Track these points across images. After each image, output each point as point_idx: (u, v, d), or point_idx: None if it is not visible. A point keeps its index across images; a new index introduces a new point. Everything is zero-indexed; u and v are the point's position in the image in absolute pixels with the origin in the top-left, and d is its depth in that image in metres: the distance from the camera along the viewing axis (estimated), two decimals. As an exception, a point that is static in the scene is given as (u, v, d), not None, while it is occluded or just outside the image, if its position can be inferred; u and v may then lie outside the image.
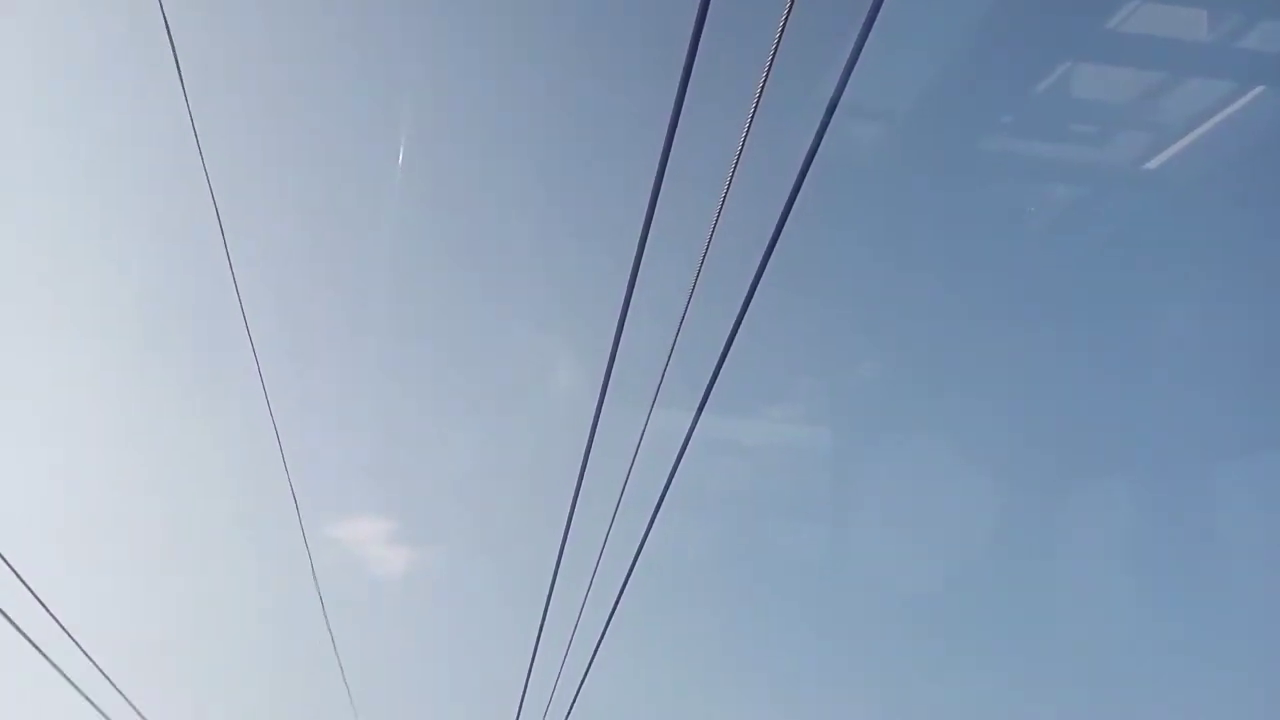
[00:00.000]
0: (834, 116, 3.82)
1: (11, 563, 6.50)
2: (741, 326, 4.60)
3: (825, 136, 3.89)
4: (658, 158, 4.07)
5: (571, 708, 9.40)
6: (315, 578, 14.86)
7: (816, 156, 3.97)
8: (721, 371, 4.98)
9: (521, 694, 9.51)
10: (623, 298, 4.82)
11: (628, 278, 4.67)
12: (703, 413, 5.33)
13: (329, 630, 16.10)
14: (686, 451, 5.60)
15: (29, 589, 6.79)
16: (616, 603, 7.11)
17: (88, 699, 8.02)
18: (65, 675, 7.33)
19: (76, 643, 7.46)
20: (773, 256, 4.31)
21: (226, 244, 7.64)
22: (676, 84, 3.74)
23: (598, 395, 5.50)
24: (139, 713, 8.61)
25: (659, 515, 6.17)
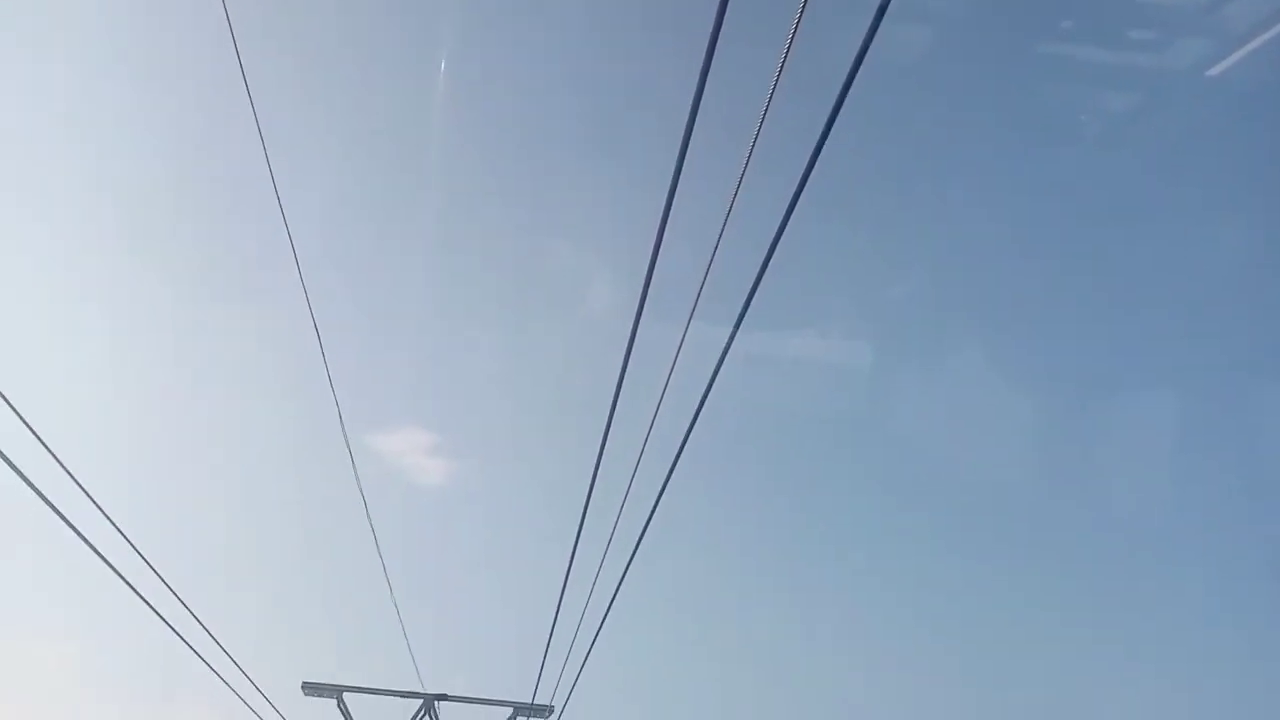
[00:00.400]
0: (883, 20, 3.71)
1: (71, 470, 6.67)
2: (781, 242, 4.56)
3: (874, 42, 3.78)
4: (697, 73, 4.00)
5: (609, 607, 9.40)
6: (359, 485, 15.39)
7: (862, 66, 3.85)
8: (762, 285, 4.90)
9: (561, 590, 9.64)
10: (661, 212, 4.77)
11: (666, 191, 4.62)
12: (741, 327, 5.25)
13: (373, 533, 16.75)
14: (724, 366, 5.52)
15: (87, 494, 6.97)
16: (654, 506, 7.05)
17: (148, 604, 8.29)
18: (123, 577, 7.67)
19: (134, 546, 7.69)
20: (814, 171, 4.23)
21: (270, 162, 7.76)
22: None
23: (635, 309, 5.43)
24: (197, 618, 8.98)
25: (695, 428, 6.12)
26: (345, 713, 18.84)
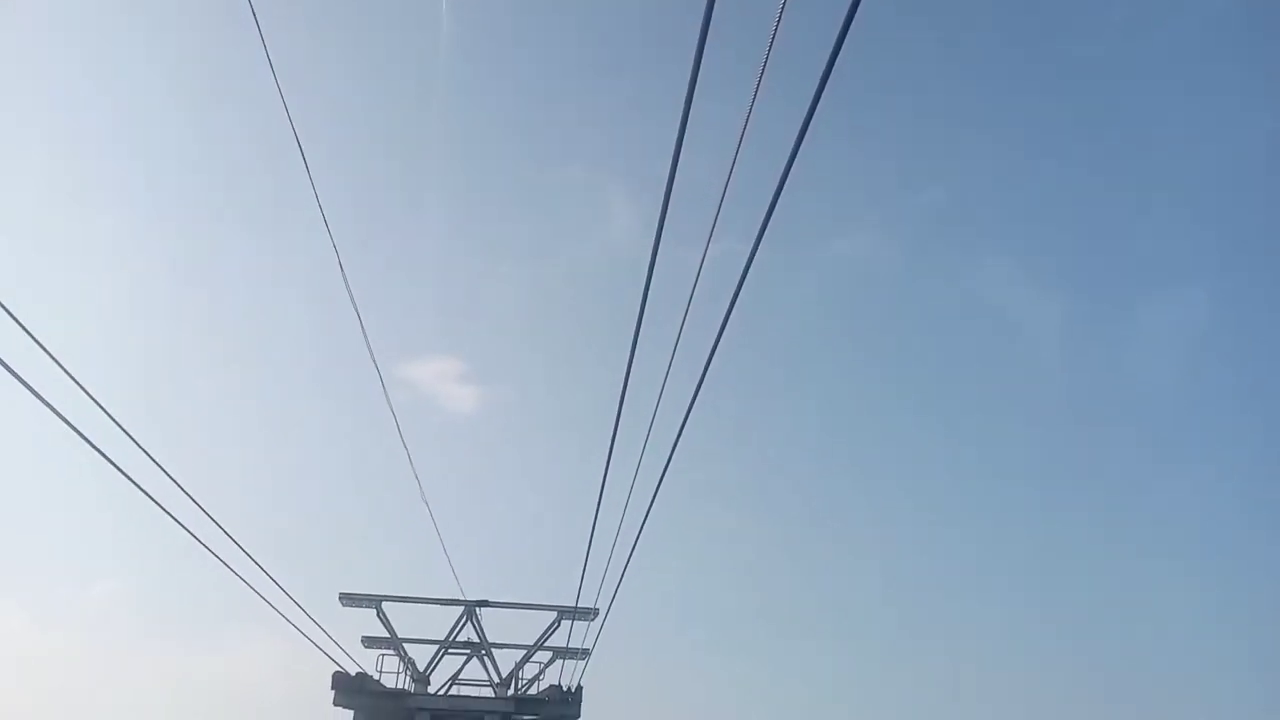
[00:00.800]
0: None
1: (117, 417, 7.05)
2: (807, 157, 4.42)
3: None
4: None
5: (650, 505, 9.35)
6: (394, 413, 15.59)
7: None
8: (788, 196, 4.73)
9: (601, 485, 9.38)
10: (676, 131, 4.65)
11: (680, 112, 4.49)
12: (767, 237, 5.10)
13: (409, 458, 17.03)
14: (750, 276, 5.42)
15: (130, 436, 7.31)
16: (692, 400, 7.06)
17: (194, 535, 8.61)
18: (171, 515, 7.97)
19: (175, 481, 7.98)
20: (831, 78, 4.07)
21: (285, 101, 7.73)
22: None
23: (655, 229, 5.41)
24: (242, 547, 9.19)
25: (722, 340, 6.10)
26: (385, 622, 19.41)
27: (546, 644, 19.78)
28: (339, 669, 17.60)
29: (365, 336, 11.68)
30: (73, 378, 6.60)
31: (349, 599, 19.22)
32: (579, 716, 19.21)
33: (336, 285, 10.56)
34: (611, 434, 8.16)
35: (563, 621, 19.20)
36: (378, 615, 19.41)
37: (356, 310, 11.11)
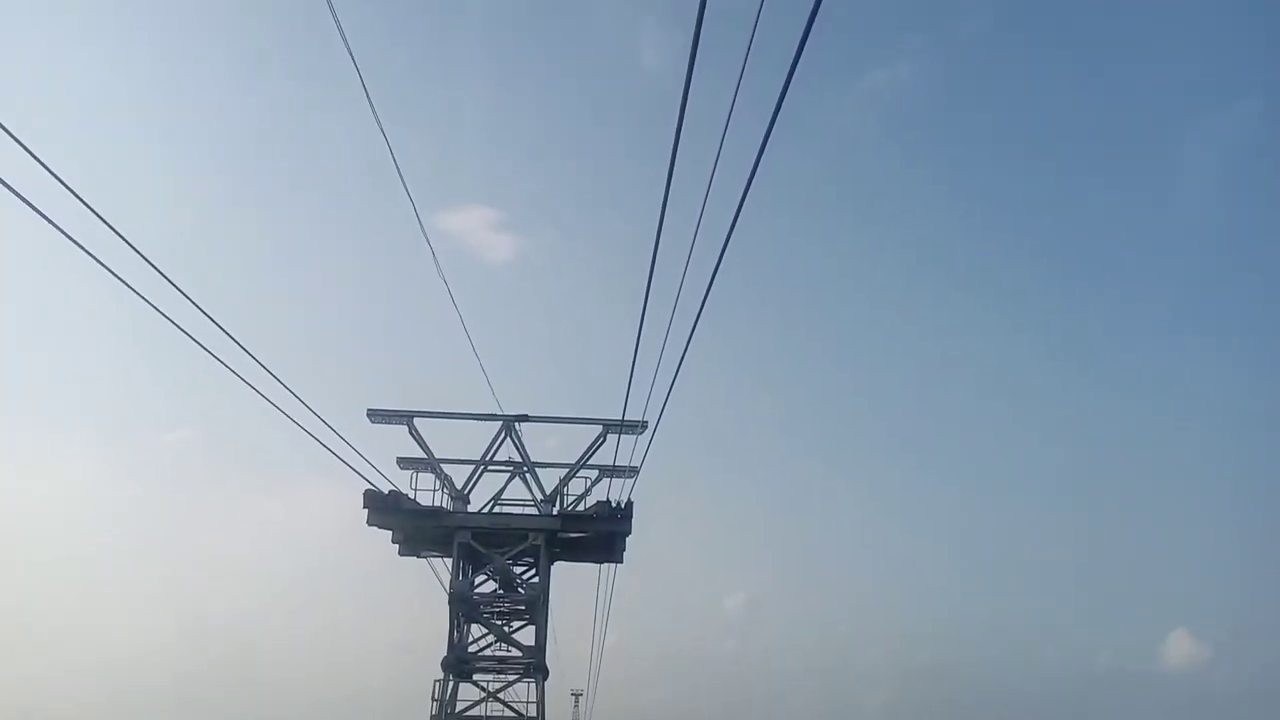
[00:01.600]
0: None
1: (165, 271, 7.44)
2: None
3: None
4: None
5: (700, 312, 8.49)
6: (435, 259, 15.79)
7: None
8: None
9: (646, 288, 8.42)
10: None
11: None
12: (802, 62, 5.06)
13: (454, 303, 16.26)
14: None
15: (177, 288, 7.72)
16: (725, 246, 6.95)
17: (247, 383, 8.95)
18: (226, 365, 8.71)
19: (221, 326, 8.31)
20: None
21: None
22: None
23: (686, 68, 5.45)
24: (284, 383, 8.11)
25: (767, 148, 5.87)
26: (418, 439, 18.00)
27: (591, 462, 18.30)
28: (371, 487, 16.30)
29: (410, 196, 12.26)
30: (126, 241, 7.04)
31: (378, 415, 17.78)
32: (630, 533, 17.95)
33: (371, 133, 10.85)
34: (659, 219, 7.34)
35: (609, 436, 17.68)
36: (410, 433, 17.99)
37: (395, 162, 11.46)
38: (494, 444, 18.46)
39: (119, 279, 7.28)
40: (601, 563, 19.74)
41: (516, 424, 18.68)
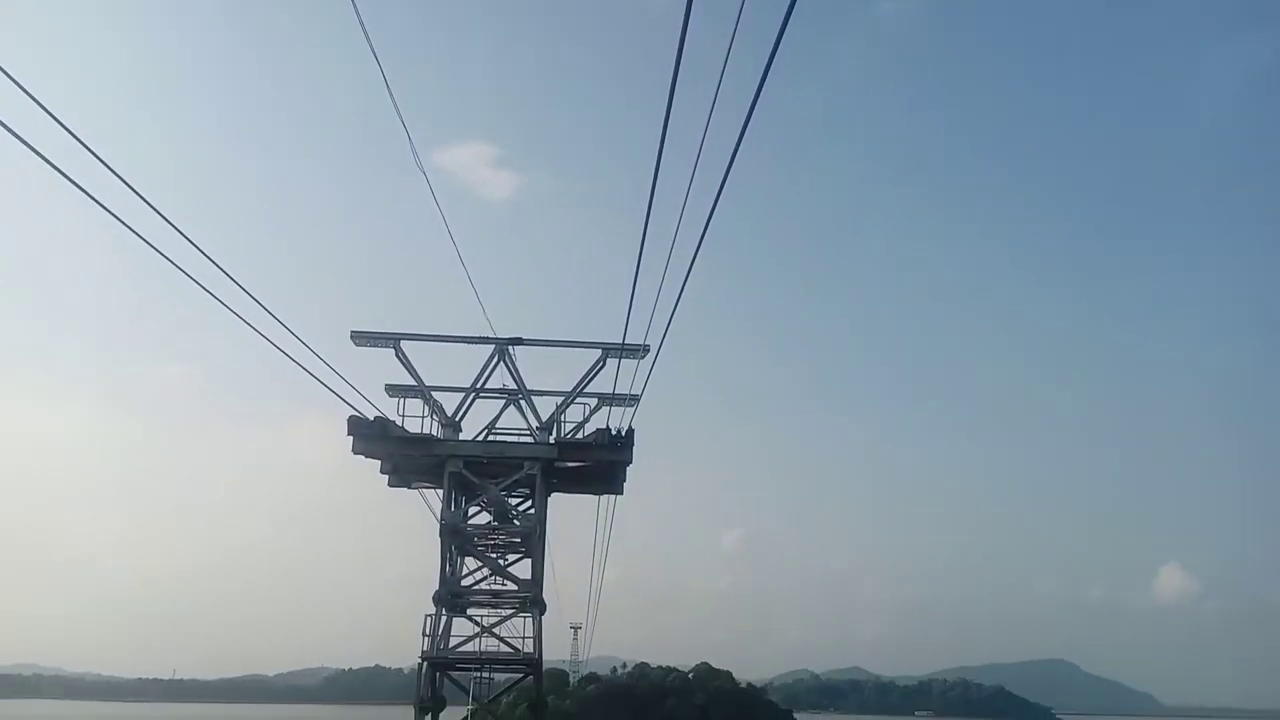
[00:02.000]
0: None
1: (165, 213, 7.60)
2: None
3: None
4: None
5: (703, 237, 8.05)
6: (434, 195, 15.37)
7: None
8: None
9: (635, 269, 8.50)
10: None
11: None
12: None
13: (446, 227, 15.36)
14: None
15: (199, 248, 8.11)
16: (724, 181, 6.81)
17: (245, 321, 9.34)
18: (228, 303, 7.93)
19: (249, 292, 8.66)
20: None
21: None
22: None
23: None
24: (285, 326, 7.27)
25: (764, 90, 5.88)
26: (405, 362, 16.95)
27: (590, 389, 17.26)
28: (356, 413, 15.30)
29: (408, 134, 12.69)
30: (127, 183, 7.16)
31: (363, 337, 16.72)
32: (631, 462, 17.02)
33: (368, 70, 11.16)
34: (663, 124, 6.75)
35: (608, 361, 16.65)
36: (397, 356, 16.94)
37: (393, 98, 11.71)
38: (486, 369, 17.43)
39: (110, 212, 7.22)
40: (601, 494, 18.86)
41: (510, 348, 17.64)
